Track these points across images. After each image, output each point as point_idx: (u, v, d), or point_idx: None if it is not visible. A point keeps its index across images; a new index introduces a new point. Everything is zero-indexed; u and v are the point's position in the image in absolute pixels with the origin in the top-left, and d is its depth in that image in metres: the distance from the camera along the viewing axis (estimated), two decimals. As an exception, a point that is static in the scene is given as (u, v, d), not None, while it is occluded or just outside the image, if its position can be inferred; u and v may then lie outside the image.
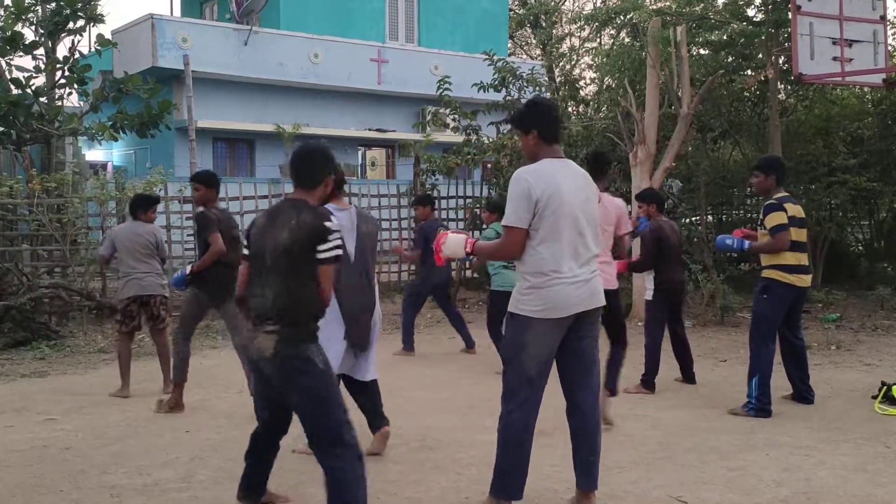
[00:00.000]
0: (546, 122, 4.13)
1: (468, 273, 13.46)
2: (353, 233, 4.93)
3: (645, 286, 7.67)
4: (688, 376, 7.54)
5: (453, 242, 4.32)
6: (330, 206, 4.62)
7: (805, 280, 6.26)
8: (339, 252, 3.71)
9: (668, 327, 7.49)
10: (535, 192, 3.92)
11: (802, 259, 6.26)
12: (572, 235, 4.01)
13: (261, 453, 4.04)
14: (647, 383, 7.16)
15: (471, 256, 4.38)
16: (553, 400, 4.37)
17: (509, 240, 4.02)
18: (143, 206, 7.25)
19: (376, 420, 5.27)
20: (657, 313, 7.33)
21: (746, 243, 6.39)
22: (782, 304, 6.26)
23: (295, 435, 4.28)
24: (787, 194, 6.33)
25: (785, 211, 6.09)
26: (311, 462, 3.88)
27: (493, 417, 4.92)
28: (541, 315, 3.98)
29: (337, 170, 4.28)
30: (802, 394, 6.64)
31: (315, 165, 3.95)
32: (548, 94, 14.60)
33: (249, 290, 3.77)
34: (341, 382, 4.90)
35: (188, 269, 6.51)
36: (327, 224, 3.68)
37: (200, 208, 6.53)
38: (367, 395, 5.27)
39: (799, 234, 6.20)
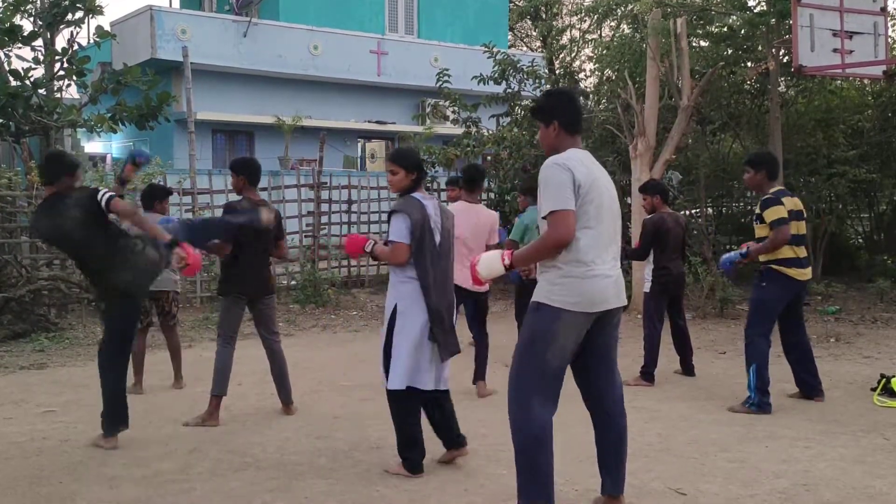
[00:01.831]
0: (568, 112, 3.95)
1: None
2: (438, 226, 4.69)
3: (644, 278, 7.66)
4: (687, 368, 7.55)
5: (488, 260, 4.03)
6: (417, 195, 4.65)
7: (804, 273, 6.21)
8: None
9: (669, 319, 7.51)
10: (578, 177, 3.72)
11: (800, 252, 6.20)
12: (609, 227, 3.86)
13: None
14: (647, 375, 7.17)
15: (514, 270, 4.10)
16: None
17: (561, 224, 3.67)
18: (160, 195, 7.14)
19: (457, 442, 4.86)
20: (655, 305, 7.34)
21: (745, 249, 6.36)
22: (782, 293, 6.20)
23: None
24: (781, 188, 6.32)
25: (783, 205, 6.07)
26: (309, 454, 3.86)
27: (490, 408, 4.93)
28: (574, 308, 3.74)
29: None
30: (813, 390, 6.55)
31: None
32: (547, 87, 14.56)
33: None
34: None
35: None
36: None
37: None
38: (447, 411, 4.84)
39: (798, 227, 6.18)
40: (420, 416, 4.73)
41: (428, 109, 19.84)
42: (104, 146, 19.72)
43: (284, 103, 19.11)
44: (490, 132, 14.01)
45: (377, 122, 20.78)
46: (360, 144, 21.47)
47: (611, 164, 12.53)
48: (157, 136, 15.85)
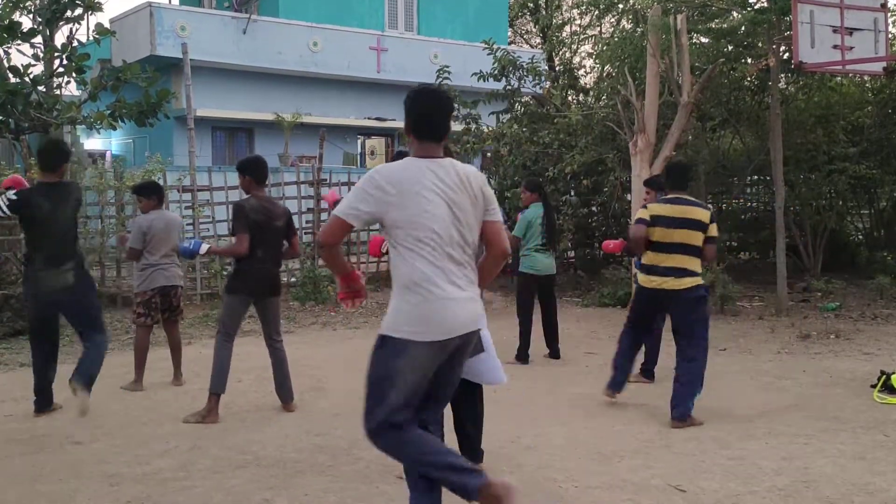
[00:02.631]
0: (411, 113, 3.58)
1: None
2: None
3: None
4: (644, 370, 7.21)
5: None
6: None
7: (654, 281, 5.94)
8: None
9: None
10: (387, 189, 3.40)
11: (660, 261, 5.92)
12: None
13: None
14: (647, 373, 7.16)
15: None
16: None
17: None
18: (145, 193, 7.06)
19: (474, 455, 4.49)
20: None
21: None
22: (637, 299, 6.29)
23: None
24: (676, 195, 6.05)
25: (646, 208, 6.13)
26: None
27: (490, 406, 4.93)
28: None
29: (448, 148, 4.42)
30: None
31: None
32: (548, 83, 14.56)
33: None
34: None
35: (204, 246, 6.25)
36: None
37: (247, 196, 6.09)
38: (477, 413, 4.59)
39: (664, 235, 5.90)
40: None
41: (428, 106, 19.83)
42: (104, 143, 19.71)
43: (284, 100, 19.10)
44: (490, 129, 14.00)
45: (377, 119, 20.77)
46: (359, 141, 21.46)
47: (611, 160, 12.53)
48: (157, 134, 15.85)
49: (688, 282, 5.85)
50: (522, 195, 8.44)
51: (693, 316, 5.89)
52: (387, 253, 4.52)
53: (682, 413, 5.69)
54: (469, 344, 3.53)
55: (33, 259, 5.88)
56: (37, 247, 5.87)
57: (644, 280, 6.04)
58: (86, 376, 5.71)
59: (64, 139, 12.39)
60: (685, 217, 5.94)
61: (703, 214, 5.98)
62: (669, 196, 6.12)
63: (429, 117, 3.56)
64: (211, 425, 5.73)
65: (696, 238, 5.90)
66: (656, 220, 5.95)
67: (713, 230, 5.98)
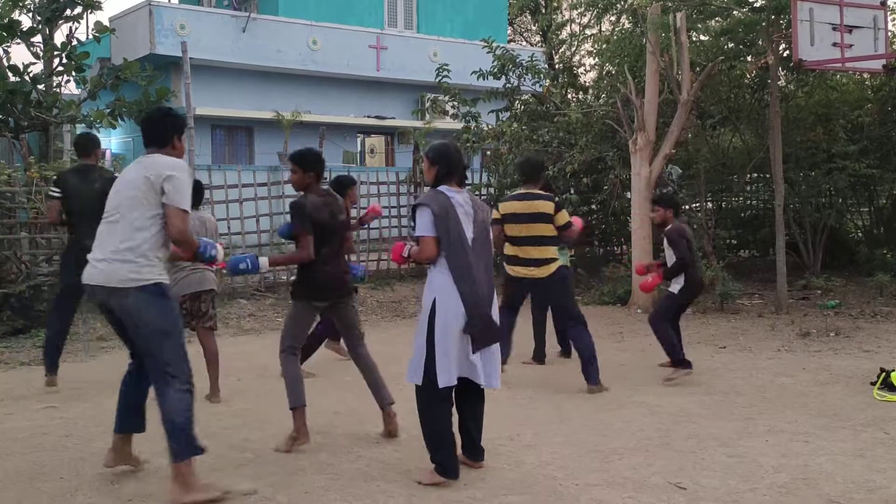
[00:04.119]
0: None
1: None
2: (470, 217, 4.59)
3: (672, 281, 7.24)
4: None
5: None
6: (443, 188, 4.59)
7: (518, 271, 6.72)
8: None
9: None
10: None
11: (520, 252, 6.66)
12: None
13: None
14: (682, 362, 6.98)
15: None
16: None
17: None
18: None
19: (475, 453, 4.74)
20: (672, 306, 7.13)
21: None
22: (507, 285, 6.97)
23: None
24: (526, 191, 6.74)
25: (496, 209, 6.75)
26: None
27: (490, 403, 4.93)
28: None
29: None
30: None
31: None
32: (547, 81, 14.54)
33: None
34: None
35: (263, 261, 5.24)
36: None
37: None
38: (479, 411, 4.74)
39: (517, 230, 6.61)
40: (451, 414, 4.56)
41: (427, 104, 19.85)
42: (103, 142, 19.68)
43: (284, 98, 19.10)
44: (489, 127, 14.00)
45: (376, 118, 20.77)
46: (359, 139, 21.45)
47: (611, 158, 12.52)
48: (157, 132, 15.82)
49: (548, 269, 6.60)
50: None
51: (559, 295, 6.81)
52: (409, 258, 4.56)
53: (594, 381, 6.59)
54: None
55: (72, 238, 6.78)
56: (73, 223, 6.76)
57: (511, 270, 6.78)
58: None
59: (63, 138, 12.40)
60: (532, 212, 6.57)
61: (548, 207, 6.58)
62: (519, 192, 6.80)
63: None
64: (211, 424, 5.72)
65: (547, 229, 6.58)
66: (506, 218, 6.65)
67: (561, 218, 6.59)
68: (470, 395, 4.64)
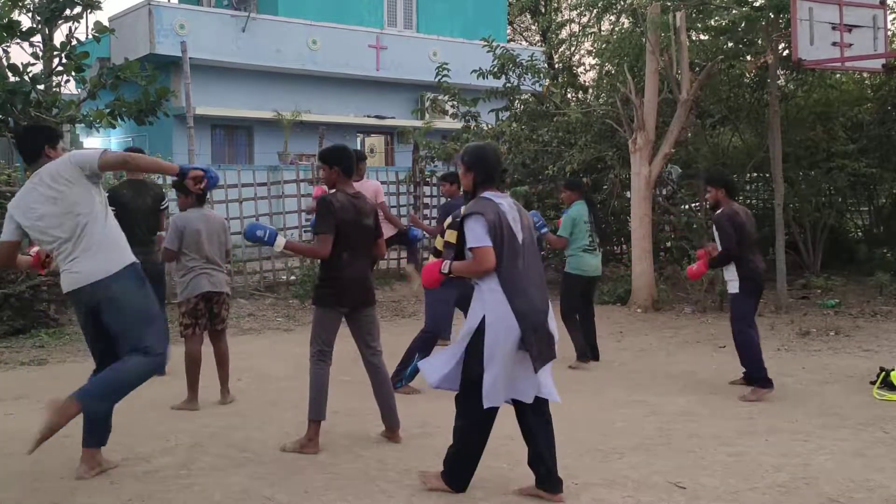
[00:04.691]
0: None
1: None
2: (518, 222, 4.30)
3: (726, 278, 6.77)
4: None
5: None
6: (488, 195, 4.32)
7: None
8: None
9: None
10: None
11: None
12: None
13: None
14: (763, 381, 6.42)
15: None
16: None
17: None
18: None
19: (553, 484, 4.34)
20: (745, 307, 6.57)
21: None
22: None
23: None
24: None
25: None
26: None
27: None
28: None
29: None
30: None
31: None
32: (547, 81, 14.54)
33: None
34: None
35: (280, 240, 5.11)
36: None
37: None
38: (551, 436, 4.43)
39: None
40: (487, 434, 4.35)
41: (427, 104, 19.84)
42: (103, 142, 19.70)
43: (283, 98, 19.09)
44: (489, 127, 13.99)
45: (376, 117, 20.76)
46: (359, 139, 21.44)
47: (610, 158, 12.52)
48: (156, 132, 15.82)
49: None
50: (562, 195, 8.21)
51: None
52: (449, 274, 4.37)
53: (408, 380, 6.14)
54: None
55: None
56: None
57: None
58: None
59: (63, 138, 12.40)
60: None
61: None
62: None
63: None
64: (211, 423, 5.73)
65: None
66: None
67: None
68: (536, 420, 4.37)
